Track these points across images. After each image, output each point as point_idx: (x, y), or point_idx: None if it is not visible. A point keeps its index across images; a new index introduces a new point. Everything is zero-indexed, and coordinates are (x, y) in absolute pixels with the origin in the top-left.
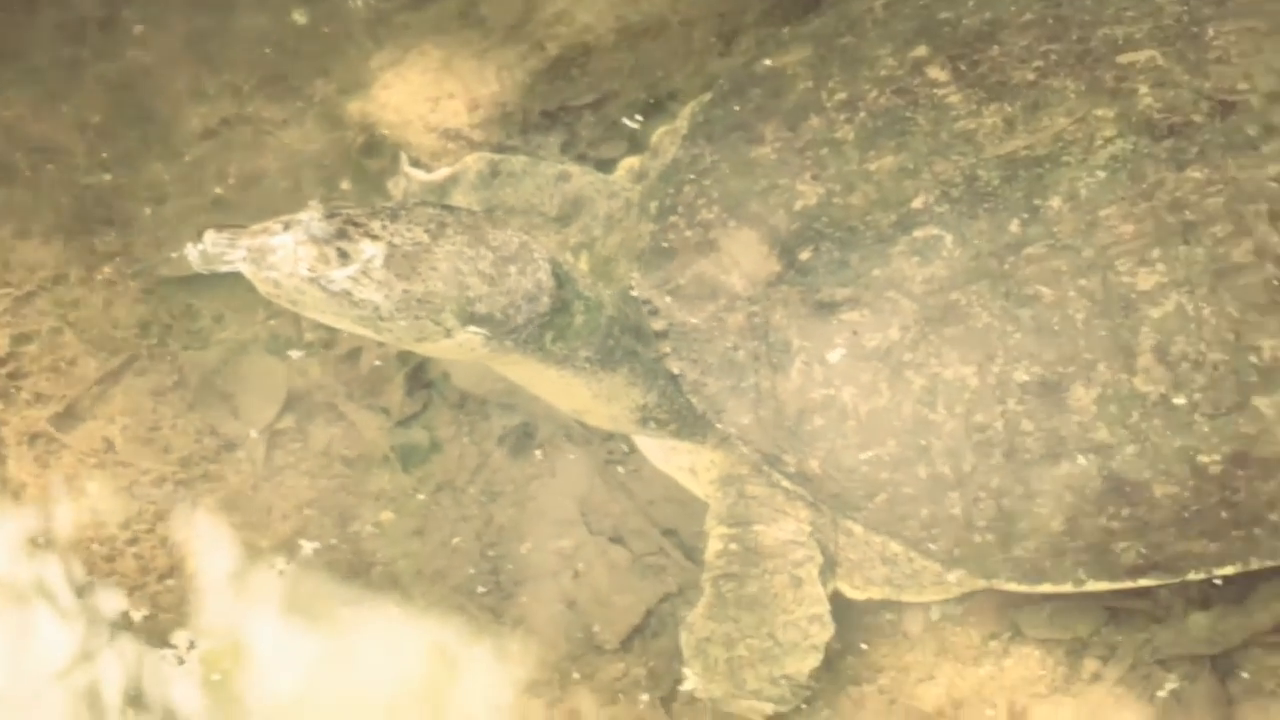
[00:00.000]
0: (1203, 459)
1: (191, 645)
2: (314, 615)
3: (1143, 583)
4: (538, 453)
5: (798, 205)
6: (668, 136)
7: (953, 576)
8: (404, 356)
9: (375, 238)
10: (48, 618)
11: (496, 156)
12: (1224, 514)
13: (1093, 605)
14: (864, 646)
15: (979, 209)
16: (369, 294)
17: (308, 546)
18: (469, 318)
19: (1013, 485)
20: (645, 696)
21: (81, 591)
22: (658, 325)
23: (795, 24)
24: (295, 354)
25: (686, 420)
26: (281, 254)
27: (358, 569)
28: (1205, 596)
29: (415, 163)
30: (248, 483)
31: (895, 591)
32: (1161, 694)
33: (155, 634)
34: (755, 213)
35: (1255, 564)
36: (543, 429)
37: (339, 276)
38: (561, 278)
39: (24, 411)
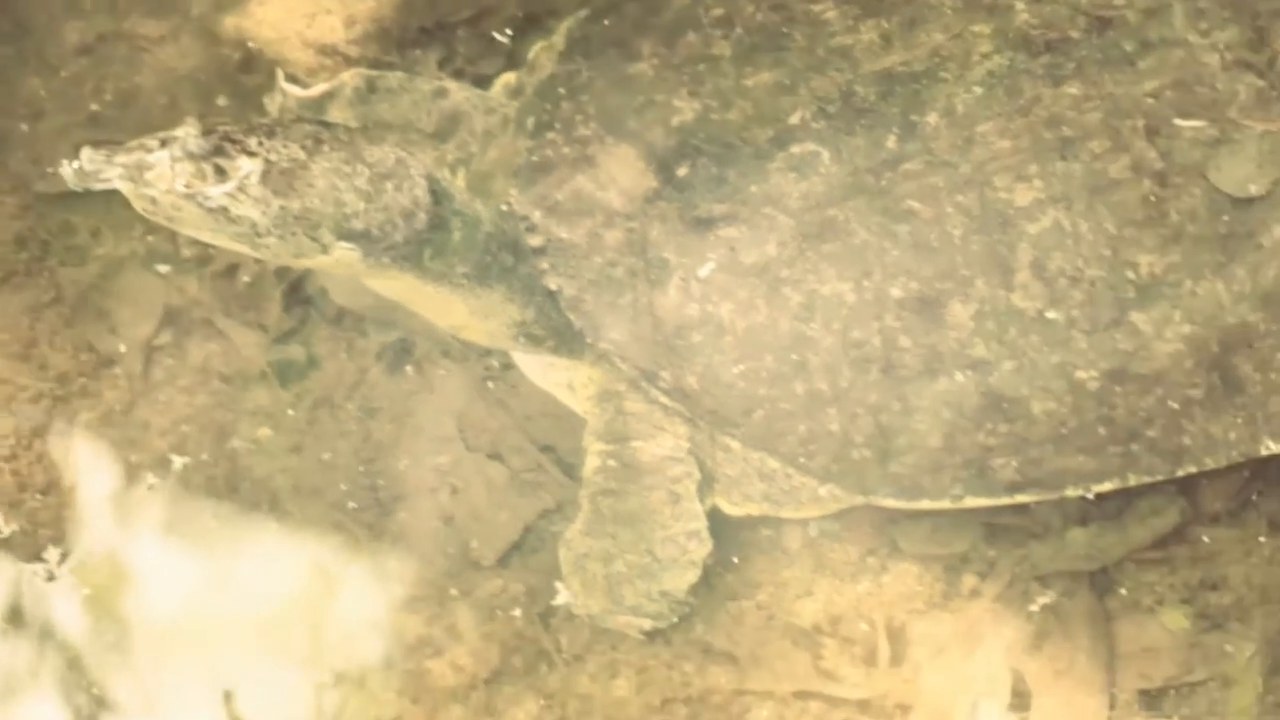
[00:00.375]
0: (1080, 375)
1: (62, 560)
2: (191, 531)
3: (1021, 499)
4: (415, 369)
5: (675, 121)
6: (545, 52)
7: (830, 492)
8: (281, 272)
9: (252, 154)
10: None
11: (373, 73)
12: (1102, 430)
13: (971, 521)
14: (740, 562)
15: (856, 125)
16: (246, 210)
17: (178, 461)
18: (346, 234)
19: (890, 401)
20: (523, 613)
21: None
22: (535, 242)
23: None
24: (163, 269)
25: (564, 336)
26: (158, 171)
27: (235, 485)
28: (1083, 513)
29: (292, 79)
30: (125, 399)
31: (773, 508)
32: (1039, 610)
33: (25, 549)
34: (632, 129)
35: (1133, 480)
36: (420, 345)
37: (215, 193)
38: (439, 194)
39: None
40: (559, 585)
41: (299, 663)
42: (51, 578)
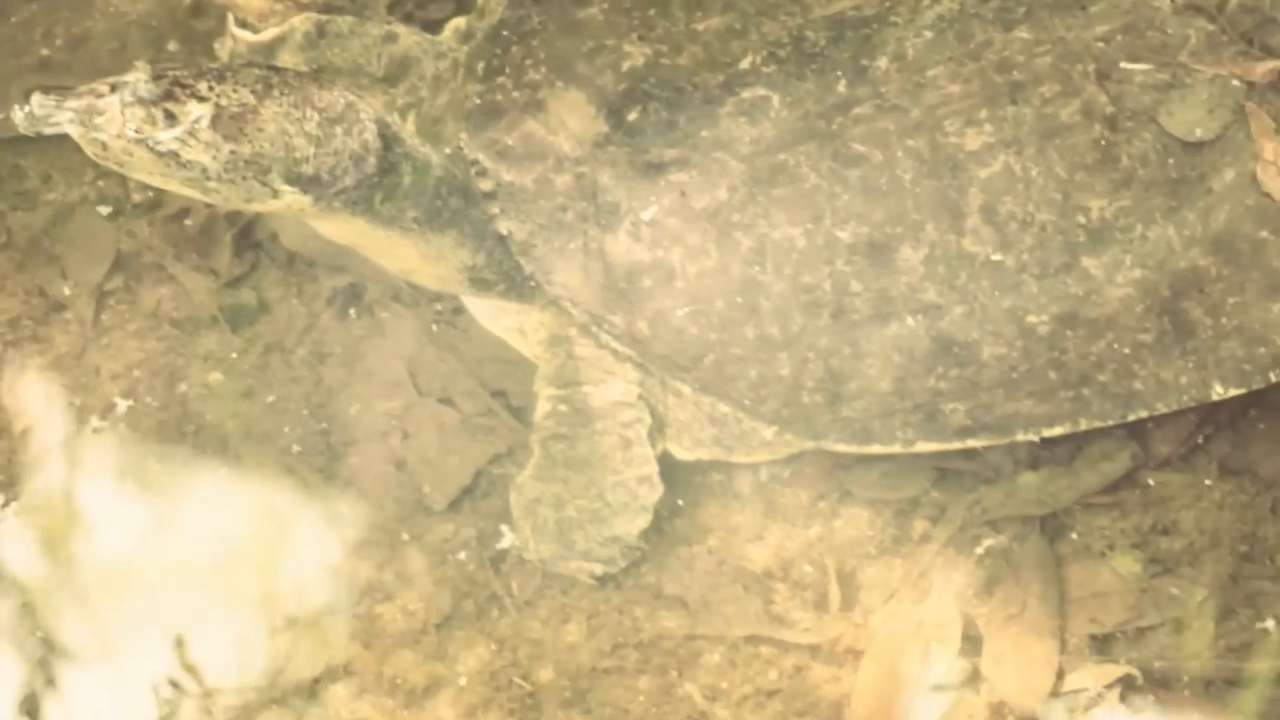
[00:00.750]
0: (1031, 319)
1: (6, 504)
2: (142, 476)
3: (971, 443)
4: (366, 314)
5: (625, 66)
6: None
7: (780, 437)
8: (232, 217)
9: (202, 99)
10: None
11: (323, 17)
12: (1052, 375)
13: (922, 466)
14: (691, 507)
15: (806, 70)
16: (196, 155)
17: (123, 405)
18: (296, 178)
19: (841, 346)
20: (474, 557)
21: None
22: (486, 186)
23: None
24: (103, 209)
25: (515, 281)
26: (109, 116)
27: (186, 430)
28: (1034, 457)
29: (242, 24)
30: (76, 344)
31: (724, 452)
32: (990, 555)
33: None
34: (582, 74)
35: (1084, 425)
36: (371, 290)
37: (166, 138)
38: (389, 139)
39: None
40: (504, 529)
41: (250, 608)
42: None
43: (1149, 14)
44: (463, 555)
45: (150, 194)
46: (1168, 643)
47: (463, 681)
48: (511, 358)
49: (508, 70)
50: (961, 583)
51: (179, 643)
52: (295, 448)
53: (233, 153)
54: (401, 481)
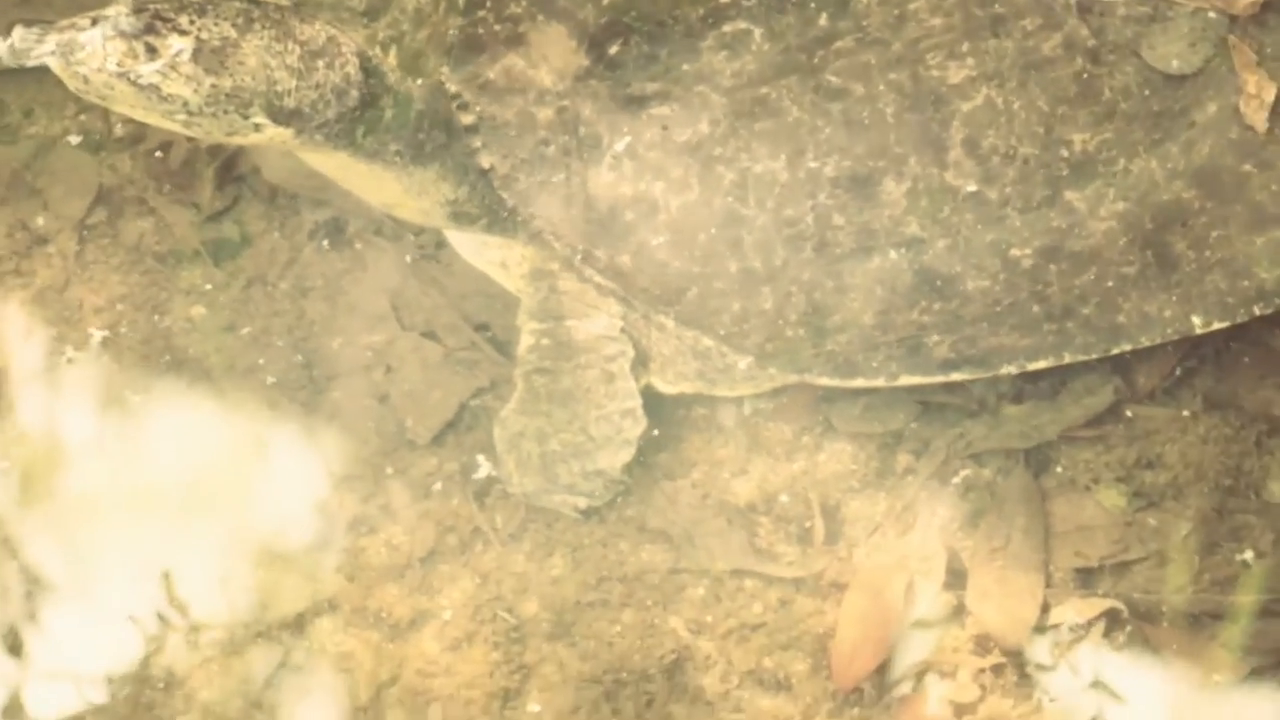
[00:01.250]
0: (1014, 253)
1: None
2: (124, 409)
3: (955, 377)
4: (348, 247)
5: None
6: None
7: (763, 370)
8: (214, 151)
9: (183, 32)
10: None
11: None
12: (1036, 308)
13: (905, 399)
14: (675, 441)
15: (788, 3)
16: (177, 89)
17: (103, 337)
18: (277, 112)
19: (824, 279)
20: (458, 491)
21: None
22: (467, 120)
23: None
24: (73, 138)
25: (497, 215)
26: (90, 49)
27: (168, 364)
28: (1018, 391)
29: None
30: (59, 278)
31: (708, 386)
32: (975, 488)
33: None
34: (563, 7)
35: (1068, 358)
36: (354, 223)
37: (147, 71)
38: (370, 72)
39: None
40: (480, 459)
41: (234, 542)
42: None
43: None
44: (446, 489)
45: (132, 128)
46: (1152, 576)
47: (447, 615)
48: (494, 292)
49: (489, 4)
50: (945, 516)
51: (164, 577)
52: (277, 381)
53: (214, 86)
54: (385, 415)
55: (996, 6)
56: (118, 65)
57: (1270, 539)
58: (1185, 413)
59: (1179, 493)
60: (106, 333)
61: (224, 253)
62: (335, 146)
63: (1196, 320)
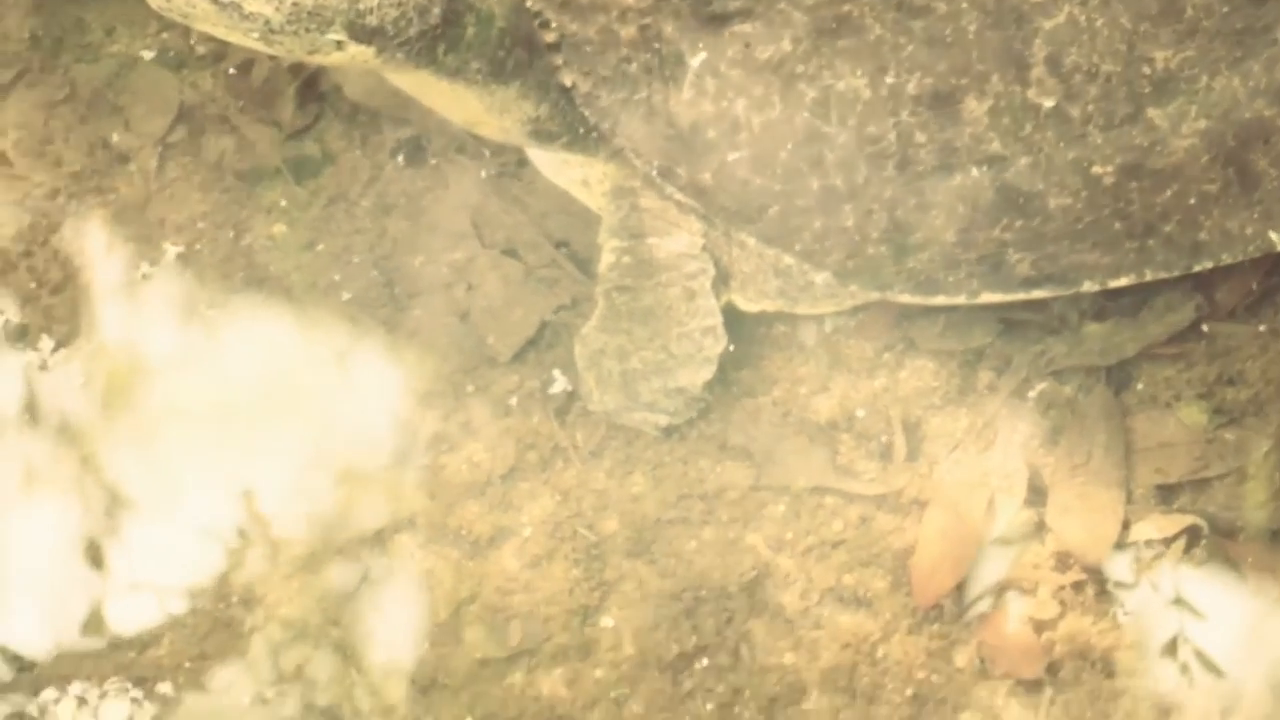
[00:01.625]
0: (1096, 170)
1: (56, 349)
2: (208, 326)
3: (1036, 294)
4: (430, 165)
5: None
6: None
7: (845, 288)
8: (296, 69)
9: None
10: None
11: None
12: (1117, 225)
13: (987, 317)
14: (756, 358)
15: None
16: (259, 7)
17: (185, 254)
18: (359, 31)
19: (906, 197)
20: (539, 408)
21: None
22: (549, 37)
23: None
24: (151, 54)
25: (579, 133)
26: None
27: (250, 281)
28: (1099, 308)
29: None
30: (139, 195)
31: (788, 304)
32: (1056, 405)
33: (21, 339)
34: None
35: (1149, 275)
36: (435, 141)
37: None
38: None
39: None
40: (556, 373)
41: (315, 458)
42: (44, 367)
43: None
44: (527, 406)
45: (214, 46)
46: (1233, 493)
47: (527, 532)
48: (575, 209)
49: None
50: (1026, 433)
51: (244, 492)
52: (358, 299)
53: (295, 4)
54: (465, 332)
55: None
56: None
57: None
58: (1266, 329)
59: (1259, 409)
60: (182, 249)
61: (305, 171)
62: (417, 65)
63: (1276, 237)
